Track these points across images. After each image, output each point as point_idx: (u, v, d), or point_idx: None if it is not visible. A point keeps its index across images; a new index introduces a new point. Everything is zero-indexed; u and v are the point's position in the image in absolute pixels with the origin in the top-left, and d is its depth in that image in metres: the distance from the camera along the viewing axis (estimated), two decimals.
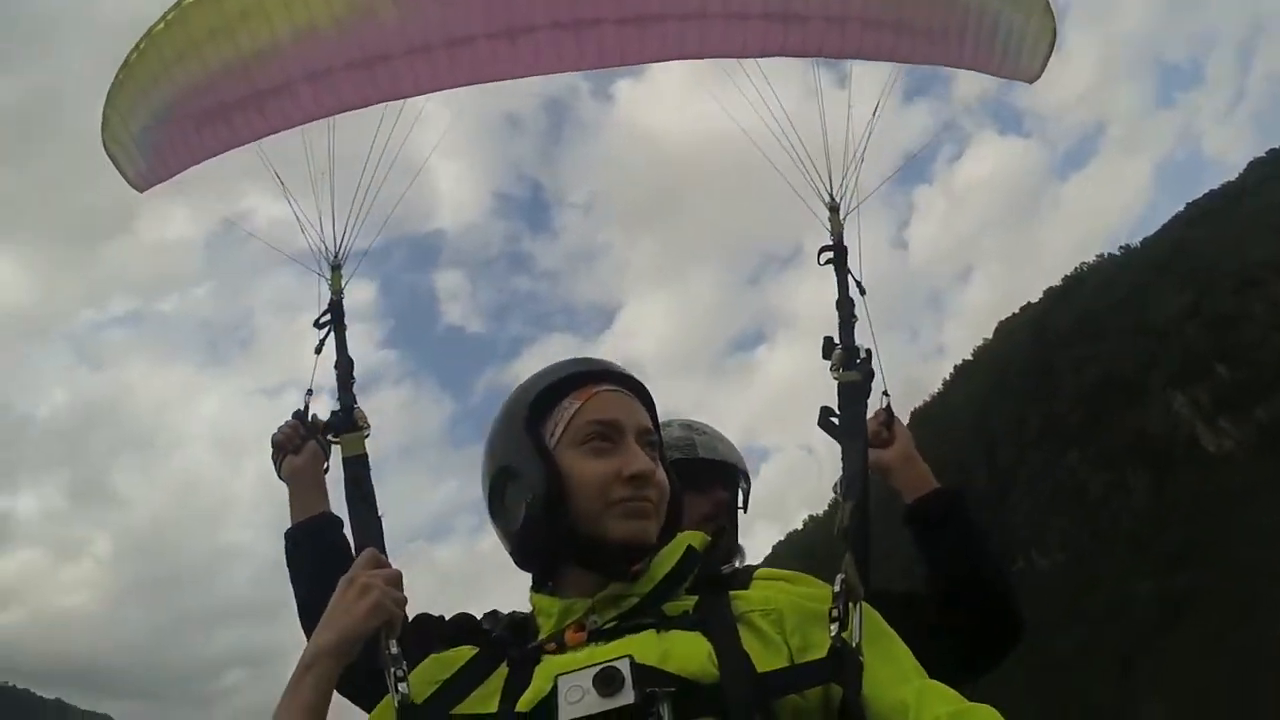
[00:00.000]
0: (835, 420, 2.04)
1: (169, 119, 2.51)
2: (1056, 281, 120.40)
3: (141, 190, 2.66)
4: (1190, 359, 79.22)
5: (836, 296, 2.20)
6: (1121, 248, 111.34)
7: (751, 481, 2.49)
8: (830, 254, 2.25)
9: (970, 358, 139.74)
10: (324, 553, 2.14)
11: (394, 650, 1.44)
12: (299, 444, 2.32)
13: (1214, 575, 64.69)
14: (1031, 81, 2.76)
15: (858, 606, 1.34)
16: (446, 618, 1.97)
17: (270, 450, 2.38)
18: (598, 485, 1.45)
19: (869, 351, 2.12)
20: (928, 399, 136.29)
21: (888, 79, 2.51)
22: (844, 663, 1.27)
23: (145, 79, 2.47)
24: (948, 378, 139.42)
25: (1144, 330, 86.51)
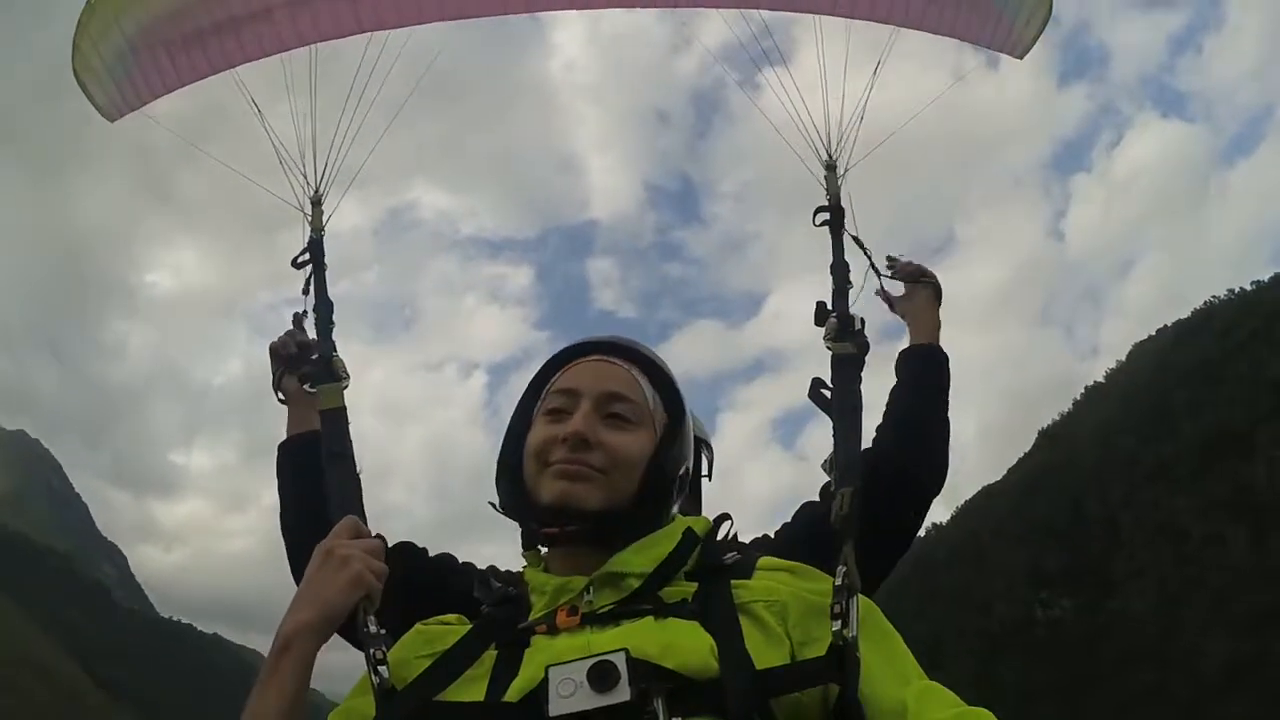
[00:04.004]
0: (827, 393, 1.81)
1: (142, 46, 2.38)
2: (1213, 294, 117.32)
3: (112, 119, 2.49)
4: None
5: (831, 260, 2.03)
6: (1254, 283, 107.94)
7: (714, 450, 2.56)
8: (825, 215, 2.10)
9: (1102, 380, 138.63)
10: (316, 470, 1.88)
11: (372, 628, 1.37)
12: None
13: None
14: (1020, 57, 2.56)
15: (855, 600, 1.30)
16: (430, 553, 2.05)
17: (270, 361, 2.28)
18: (537, 448, 1.47)
19: (864, 321, 1.95)
20: (1057, 418, 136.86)
21: (891, 32, 2.40)
22: (844, 661, 1.24)
23: (118, 4, 2.35)
24: (1078, 398, 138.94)
25: (1260, 380, 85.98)
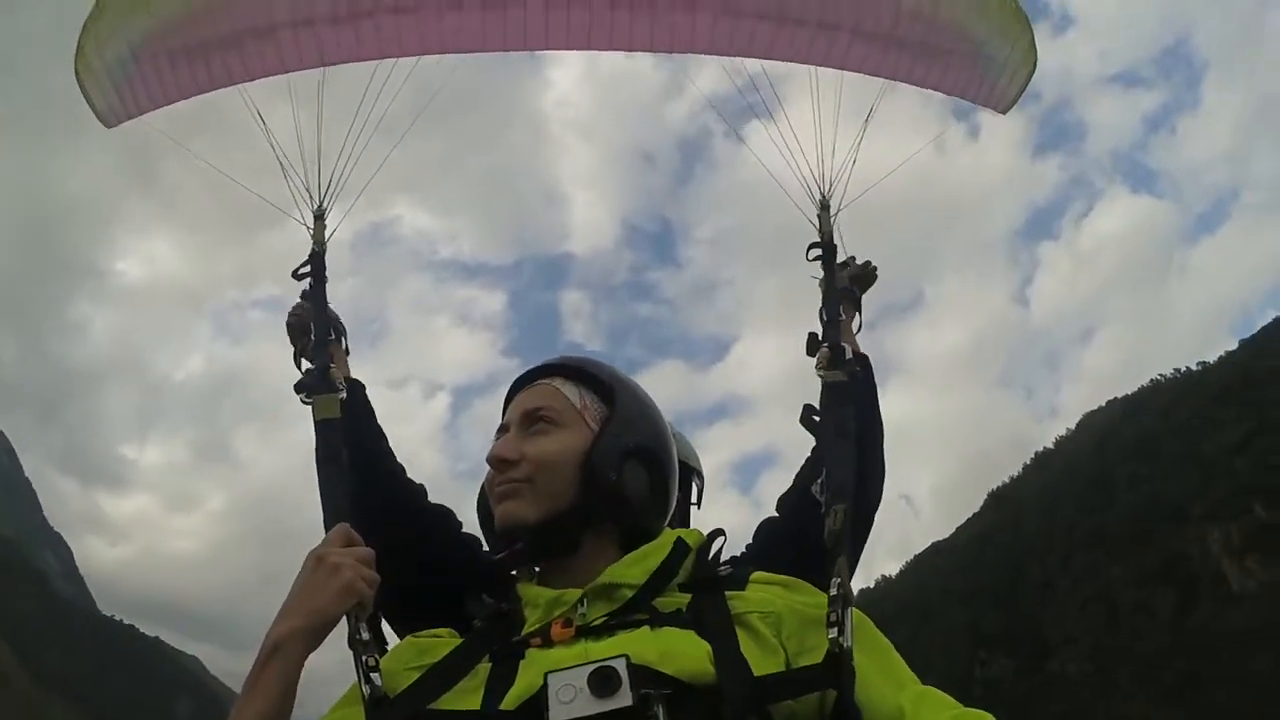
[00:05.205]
0: (818, 419, 1.86)
1: (144, 54, 2.35)
2: (1169, 366, 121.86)
3: (109, 126, 2.46)
4: (1232, 494, 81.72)
5: (823, 292, 2.11)
6: (1199, 363, 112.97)
7: (705, 477, 2.64)
8: (818, 250, 2.17)
9: (1051, 447, 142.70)
10: (354, 414, 2.00)
11: (364, 636, 1.36)
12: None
13: (1209, 713, 69.14)
14: (1003, 111, 2.62)
15: (850, 610, 1.33)
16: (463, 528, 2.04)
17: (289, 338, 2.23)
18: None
19: (855, 353, 2.06)
20: (1006, 480, 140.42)
21: (881, 85, 2.45)
22: (840, 668, 1.26)
23: (124, 7, 2.33)
24: (1028, 462, 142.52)
25: (1196, 459, 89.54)
